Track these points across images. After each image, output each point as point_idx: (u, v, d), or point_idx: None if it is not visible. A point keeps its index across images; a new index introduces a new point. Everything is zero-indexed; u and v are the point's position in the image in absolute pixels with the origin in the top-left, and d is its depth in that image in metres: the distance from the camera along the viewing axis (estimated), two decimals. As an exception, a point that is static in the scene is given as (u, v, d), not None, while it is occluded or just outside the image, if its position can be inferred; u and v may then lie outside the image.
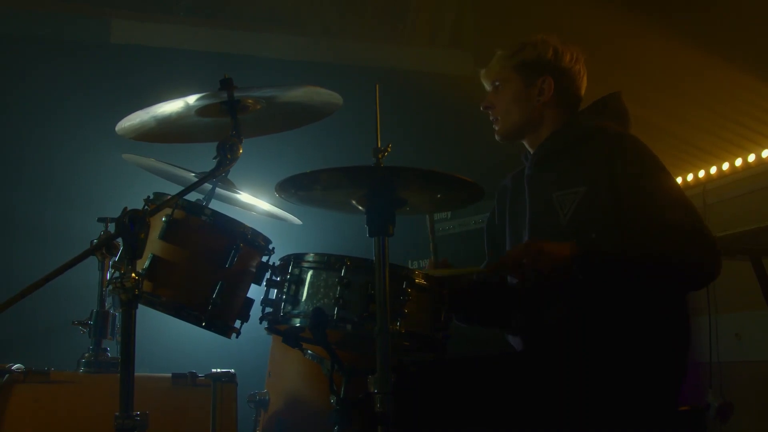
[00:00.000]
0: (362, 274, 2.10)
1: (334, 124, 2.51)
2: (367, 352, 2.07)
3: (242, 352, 3.06)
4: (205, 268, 2.22)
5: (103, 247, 2.56)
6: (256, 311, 2.30)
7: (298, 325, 2.16)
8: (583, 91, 2.51)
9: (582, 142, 2.35)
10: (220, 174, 2.09)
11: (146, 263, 2.14)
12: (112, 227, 2.64)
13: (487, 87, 2.54)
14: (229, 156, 2.06)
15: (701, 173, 4.25)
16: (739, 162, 4.05)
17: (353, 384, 2.19)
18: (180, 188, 2.08)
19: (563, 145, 2.39)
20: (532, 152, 2.49)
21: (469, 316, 2.61)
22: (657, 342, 2.18)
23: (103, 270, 2.69)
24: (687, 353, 2.24)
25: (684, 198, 2.19)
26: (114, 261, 1.83)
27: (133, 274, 1.78)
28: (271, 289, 2.27)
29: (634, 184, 2.19)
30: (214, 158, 2.06)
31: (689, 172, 4.32)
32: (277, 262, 2.30)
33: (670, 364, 2.21)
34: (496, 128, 2.51)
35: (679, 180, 4.32)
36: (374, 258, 1.93)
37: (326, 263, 2.17)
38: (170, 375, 2.64)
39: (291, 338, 2.34)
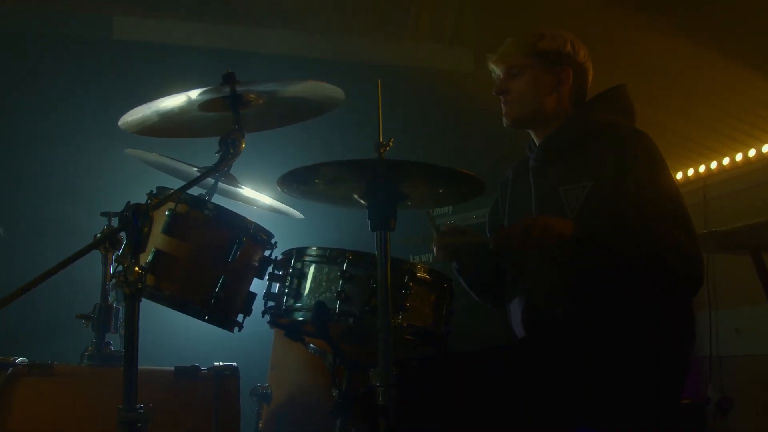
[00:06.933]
0: (364, 268, 2.12)
1: (336, 119, 2.51)
2: (369, 346, 2.08)
3: (245, 345, 3.06)
4: (208, 262, 2.24)
5: (107, 241, 2.57)
6: (258, 305, 2.31)
7: (300, 318, 2.18)
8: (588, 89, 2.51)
9: (591, 136, 2.34)
10: (222, 168, 2.10)
11: (149, 257, 2.15)
12: (115, 221, 2.64)
13: (498, 72, 2.48)
14: (231, 150, 2.06)
15: (702, 168, 4.26)
16: (739, 157, 4.06)
17: (355, 377, 2.21)
18: (183, 183, 2.09)
19: (572, 138, 2.38)
20: (538, 143, 2.47)
21: (472, 282, 2.60)
22: (662, 337, 2.18)
23: (106, 264, 2.69)
24: (691, 348, 2.24)
25: (684, 211, 2.21)
26: (117, 255, 1.84)
27: (137, 268, 1.79)
28: (274, 283, 2.28)
29: (642, 188, 2.19)
30: (217, 153, 2.07)
31: (690, 167, 4.32)
32: (280, 256, 2.32)
33: (674, 358, 2.21)
34: (508, 112, 2.44)
35: (679, 175, 4.33)
36: (376, 252, 1.93)
37: (328, 257, 2.18)
38: (173, 368, 2.64)
39: (293, 332, 2.35)
